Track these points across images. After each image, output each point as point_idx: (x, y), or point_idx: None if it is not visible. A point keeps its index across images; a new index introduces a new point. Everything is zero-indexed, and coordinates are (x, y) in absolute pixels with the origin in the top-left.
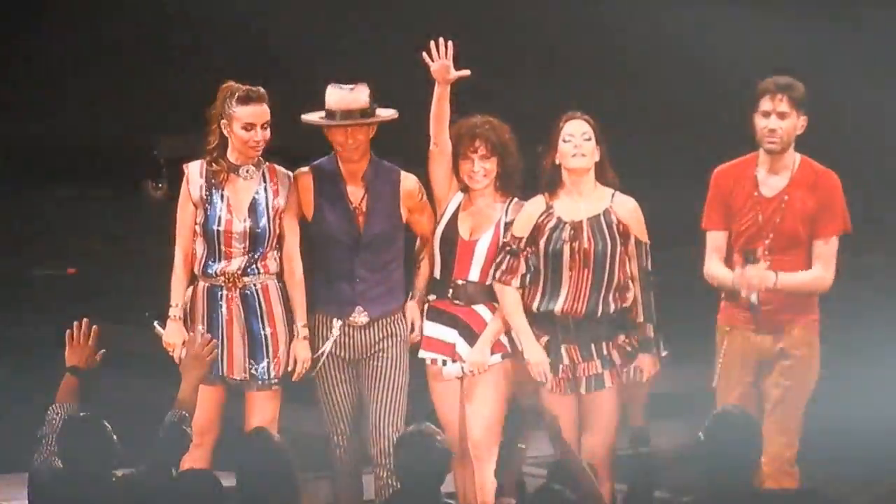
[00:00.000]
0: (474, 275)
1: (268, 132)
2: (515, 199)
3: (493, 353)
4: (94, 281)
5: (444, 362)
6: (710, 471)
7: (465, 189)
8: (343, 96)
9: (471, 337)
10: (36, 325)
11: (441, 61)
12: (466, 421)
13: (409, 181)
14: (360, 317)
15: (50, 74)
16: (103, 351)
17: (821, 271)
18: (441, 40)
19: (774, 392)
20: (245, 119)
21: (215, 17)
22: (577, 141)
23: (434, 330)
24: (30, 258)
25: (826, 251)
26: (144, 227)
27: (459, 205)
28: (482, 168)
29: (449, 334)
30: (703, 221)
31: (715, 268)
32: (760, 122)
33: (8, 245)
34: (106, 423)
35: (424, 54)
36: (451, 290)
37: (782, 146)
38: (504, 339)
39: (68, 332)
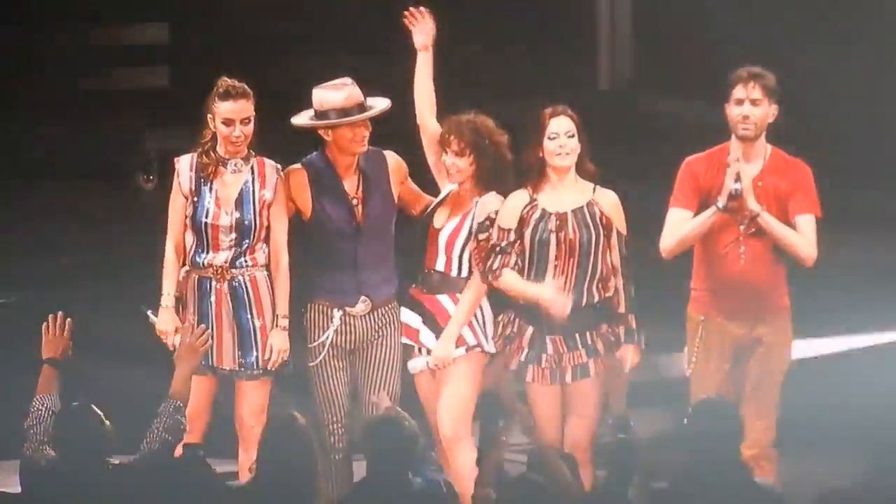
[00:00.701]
0: (440, 265)
1: (249, 128)
2: (485, 195)
3: (456, 346)
4: (86, 271)
5: (421, 350)
6: (693, 458)
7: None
8: (340, 94)
9: (433, 326)
10: (29, 314)
11: (420, 25)
12: (437, 413)
13: (392, 157)
14: (363, 306)
15: (43, 69)
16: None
17: (804, 240)
18: (420, 8)
19: (752, 378)
20: (224, 114)
21: (209, 11)
22: (561, 140)
23: (405, 315)
24: (24, 248)
25: (807, 226)
26: (135, 218)
27: (447, 195)
28: (454, 164)
29: (414, 320)
30: (672, 199)
31: (675, 233)
32: (734, 111)
33: (1, 236)
34: (98, 411)
35: (406, 20)
36: (420, 278)
37: (755, 132)
38: (467, 333)
39: (44, 325)
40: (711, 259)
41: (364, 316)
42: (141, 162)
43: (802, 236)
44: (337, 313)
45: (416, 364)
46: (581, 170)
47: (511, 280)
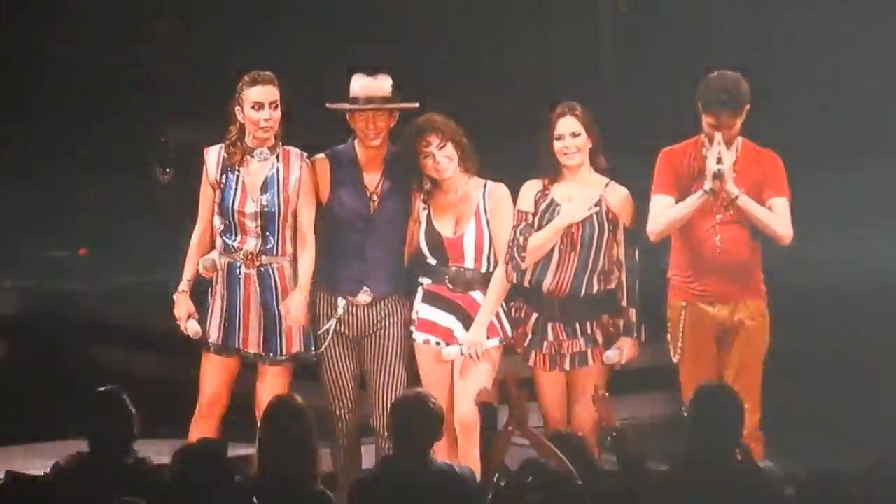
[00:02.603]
0: (469, 263)
1: (277, 113)
2: (488, 184)
3: (489, 337)
4: (104, 261)
5: (439, 343)
6: (696, 444)
7: (432, 189)
8: (366, 84)
9: (469, 322)
10: (50, 303)
11: None
12: (455, 397)
13: None
14: (364, 296)
15: (63, 63)
16: None
17: (780, 220)
18: None
19: (736, 361)
20: (253, 98)
21: (228, 5)
22: (566, 141)
23: (430, 313)
24: (44, 239)
25: (781, 207)
26: (153, 209)
27: (429, 209)
28: (444, 157)
29: (446, 319)
30: (654, 187)
31: (663, 216)
32: (707, 127)
33: (24, 227)
34: (124, 395)
35: None
36: (447, 277)
37: (727, 144)
38: (497, 322)
39: None
40: (689, 247)
41: (367, 306)
42: (158, 154)
43: (778, 217)
44: (341, 302)
45: (450, 351)
46: (594, 163)
47: (537, 244)
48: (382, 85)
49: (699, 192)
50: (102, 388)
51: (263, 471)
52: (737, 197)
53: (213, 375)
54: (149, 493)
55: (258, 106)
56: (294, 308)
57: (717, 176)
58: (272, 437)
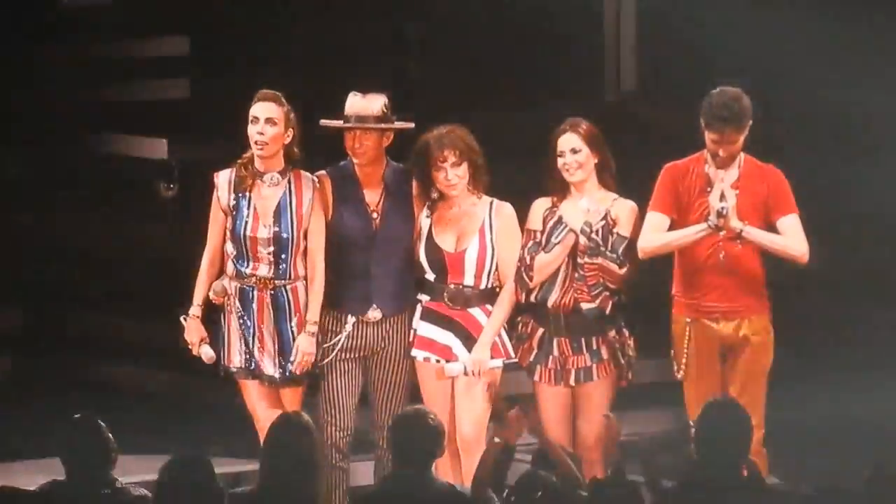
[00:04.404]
0: (469, 280)
1: (273, 129)
2: (494, 202)
3: (493, 357)
4: (106, 278)
5: (439, 361)
6: (703, 459)
7: (437, 200)
8: (355, 102)
9: (468, 340)
10: (52, 319)
11: None
12: (457, 416)
13: None
14: (374, 313)
15: (64, 81)
16: None
17: (793, 241)
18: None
19: (740, 377)
20: (252, 114)
21: (232, 21)
22: (567, 158)
23: (429, 331)
24: (45, 257)
25: (792, 225)
26: (156, 226)
27: (431, 221)
28: (455, 175)
29: (444, 336)
30: (651, 203)
31: (659, 236)
32: (710, 143)
33: (24, 244)
34: (100, 422)
35: None
36: (445, 294)
37: (731, 161)
38: (499, 342)
39: None
40: (692, 264)
41: (376, 324)
42: (161, 170)
43: (790, 236)
44: (350, 319)
45: (452, 368)
46: (602, 181)
47: (547, 261)
48: (372, 105)
49: (702, 226)
50: (78, 415)
51: (265, 487)
52: (741, 231)
53: (259, 400)
54: None
55: (255, 120)
56: (303, 349)
57: (721, 214)
58: (276, 453)
